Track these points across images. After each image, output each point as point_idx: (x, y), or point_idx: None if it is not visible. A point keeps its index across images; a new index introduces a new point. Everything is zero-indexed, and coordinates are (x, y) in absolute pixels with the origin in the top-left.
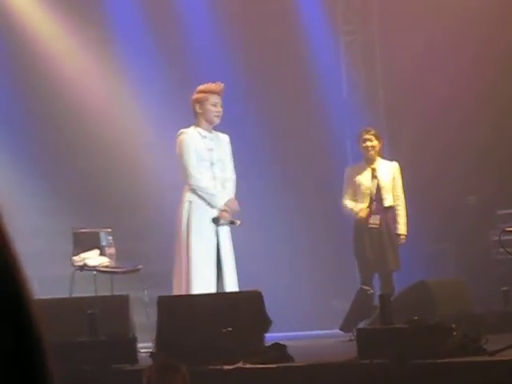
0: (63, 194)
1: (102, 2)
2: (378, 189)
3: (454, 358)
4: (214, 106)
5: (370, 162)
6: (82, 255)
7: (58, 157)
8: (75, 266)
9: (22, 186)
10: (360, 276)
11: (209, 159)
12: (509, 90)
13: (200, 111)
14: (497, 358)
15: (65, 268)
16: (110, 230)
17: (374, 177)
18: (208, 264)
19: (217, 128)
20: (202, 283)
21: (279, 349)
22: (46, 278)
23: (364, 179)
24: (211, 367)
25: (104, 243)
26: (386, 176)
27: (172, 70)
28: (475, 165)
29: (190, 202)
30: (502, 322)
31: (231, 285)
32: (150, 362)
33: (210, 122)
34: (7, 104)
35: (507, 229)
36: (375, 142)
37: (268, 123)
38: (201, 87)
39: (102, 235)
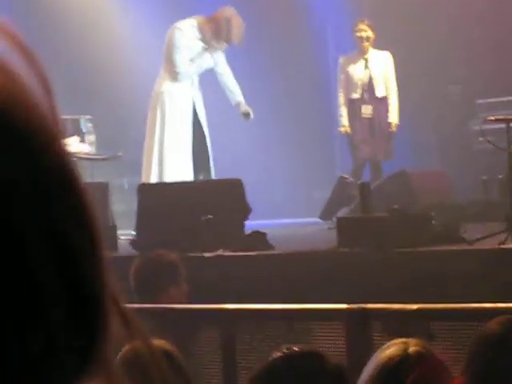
0: None
1: None
2: (370, 79)
3: (433, 247)
4: (221, 46)
5: (363, 52)
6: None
7: (42, 42)
8: None
9: None
10: (353, 163)
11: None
12: None
13: (212, 34)
14: (475, 246)
15: None
16: (89, 117)
17: (366, 67)
18: (183, 149)
19: None
20: (175, 170)
21: (259, 237)
22: None
23: (357, 69)
24: (191, 254)
25: (84, 130)
26: (379, 66)
27: None
28: (460, 54)
29: (165, 80)
30: (481, 211)
31: None
32: (130, 249)
33: (208, 41)
34: None
35: (489, 118)
36: (369, 33)
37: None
38: (233, 19)
39: (82, 122)
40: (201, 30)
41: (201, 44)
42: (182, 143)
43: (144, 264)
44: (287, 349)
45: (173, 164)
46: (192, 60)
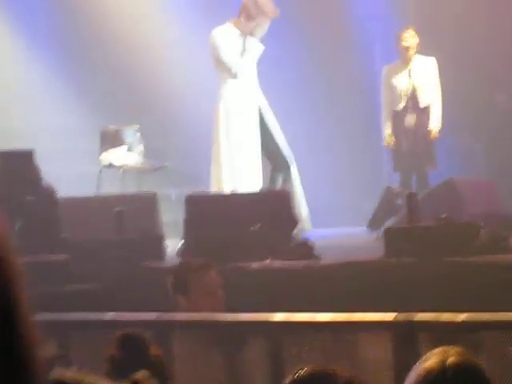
0: (91, 94)
1: None
2: (414, 89)
3: (482, 257)
4: (261, 28)
5: (406, 61)
6: (110, 152)
7: (85, 55)
8: (103, 164)
9: (51, 86)
10: (399, 174)
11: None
12: None
13: (246, 20)
14: None
15: (93, 166)
16: (137, 126)
17: (409, 77)
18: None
19: None
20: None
21: (306, 247)
22: (73, 176)
23: (400, 80)
24: (239, 264)
25: (131, 140)
26: (423, 75)
27: None
28: (506, 61)
29: (223, 94)
30: None
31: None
32: (177, 259)
33: (248, 32)
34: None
35: None
36: (413, 41)
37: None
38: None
39: (130, 132)
40: (236, 24)
41: (243, 38)
42: (250, 144)
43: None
44: (297, 371)
45: (243, 167)
46: (241, 54)
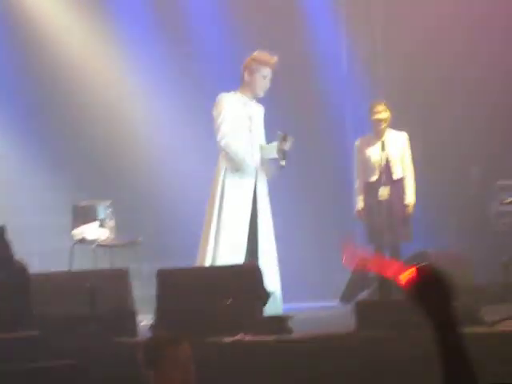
0: (63, 169)
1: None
2: (387, 161)
3: None
4: (263, 79)
5: (379, 134)
6: (82, 228)
7: (57, 131)
8: (75, 240)
9: (23, 162)
10: (372, 247)
11: (247, 127)
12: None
13: (248, 79)
14: (496, 329)
15: (65, 242)
16: (109, 202)
17: (383, 149)
18: (240, 231)
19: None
20: (229, 250)
21: (278, 321)
22: (46, 252)
23: (373, 152)
24: (211, 339)
25: (103, 216)
26: (396, 148)
27: (175, 57)
28: (479, 135)
29: (226, 168)
30: (501, 293)
31: (266, 255)
32: (149, 334)
33: (254, 93)
34: (7, 78)
35: (505, 201)
36: (385, 115)
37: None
38: (255, 55)
39: (101, 208)
40: (243, 91)
41: (249, 109)
42: (239, 223)
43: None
44: None
45: (227, 244)
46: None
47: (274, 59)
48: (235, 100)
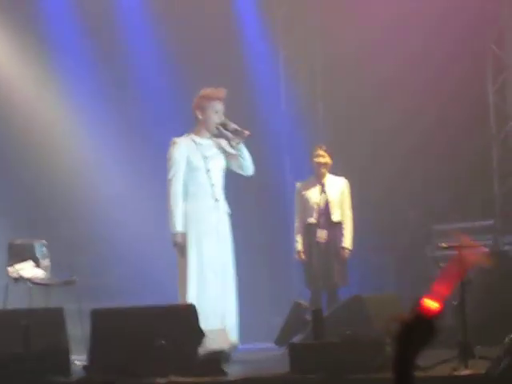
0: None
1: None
2: (326, 204)
3: (386, 374)
4: (216, 113)
5: (320, 177)
6: (17, 266)
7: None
8: (9, 278)
9: None
10: (310, 291)
11: (204, 167)
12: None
13: (201, 118)
14: (429, 373)
15: (0, 280)
16: (44, 241)
17: (322, 192)
18: (211, 268)
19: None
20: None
21: (212, 362)
22: None
23: (313, 194)
24: (143, 381)
25: (39, 255)
26: (335, 191)
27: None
28: (417, 181)
29: (185, 213)
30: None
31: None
32: (83, 374)
33: (209, 130)
34: None
35: (440, 244)
36: (327, 159)
37: None
38: (203, 92)
39: (37, 246)
40: (197, 132)
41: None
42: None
43: None
44: None
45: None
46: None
47: (223, 91)
48: (188, 143)
